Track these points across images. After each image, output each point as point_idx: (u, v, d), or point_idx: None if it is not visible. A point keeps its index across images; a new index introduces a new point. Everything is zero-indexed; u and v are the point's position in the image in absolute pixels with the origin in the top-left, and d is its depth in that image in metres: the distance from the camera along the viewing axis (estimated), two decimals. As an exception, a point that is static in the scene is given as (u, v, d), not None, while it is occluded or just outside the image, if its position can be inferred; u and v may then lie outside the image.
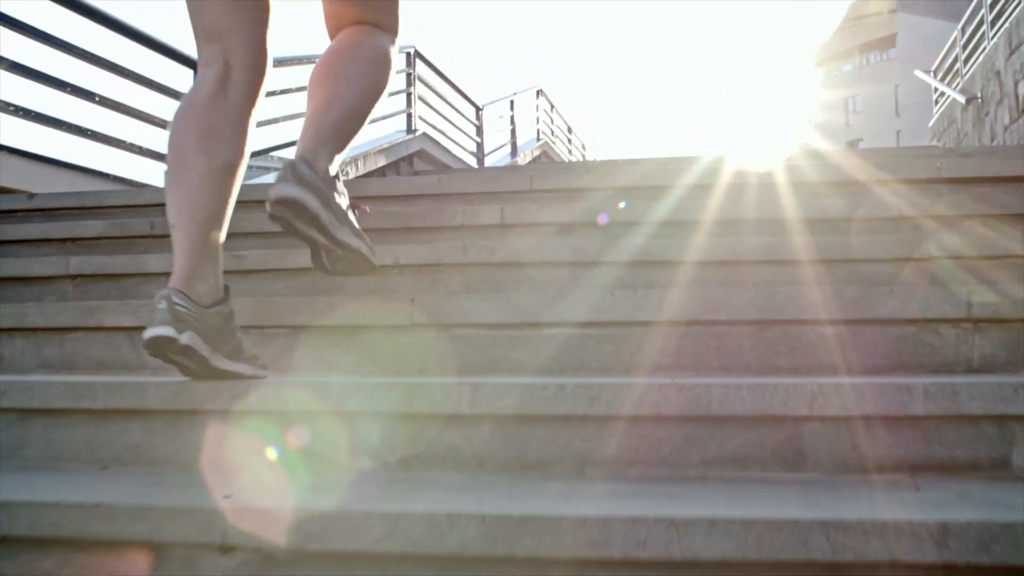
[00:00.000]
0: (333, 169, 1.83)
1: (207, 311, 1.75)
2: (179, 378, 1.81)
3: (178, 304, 1.69)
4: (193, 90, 1.84)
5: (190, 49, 5.47)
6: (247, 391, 1.67)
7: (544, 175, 3.66)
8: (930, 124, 14.71)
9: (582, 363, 2.13)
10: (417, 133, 9.70)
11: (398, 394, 1.64)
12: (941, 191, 3.31)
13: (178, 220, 1.75)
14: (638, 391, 1.55)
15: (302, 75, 7.89)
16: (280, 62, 6.96)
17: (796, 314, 2.01)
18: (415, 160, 9.72)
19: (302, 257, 2.47)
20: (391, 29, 1.98)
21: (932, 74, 13.96)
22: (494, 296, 2.24)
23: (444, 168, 10.22)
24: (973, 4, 11.33)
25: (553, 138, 16.29)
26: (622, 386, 1.57)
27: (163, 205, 1.82)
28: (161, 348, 1.68)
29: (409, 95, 9.56)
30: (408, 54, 9.53)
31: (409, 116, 9.62)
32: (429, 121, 10.07)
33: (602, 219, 3.18)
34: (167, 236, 2.23)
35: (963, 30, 11.92)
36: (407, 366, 2.16)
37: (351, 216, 1.87)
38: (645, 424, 1.56)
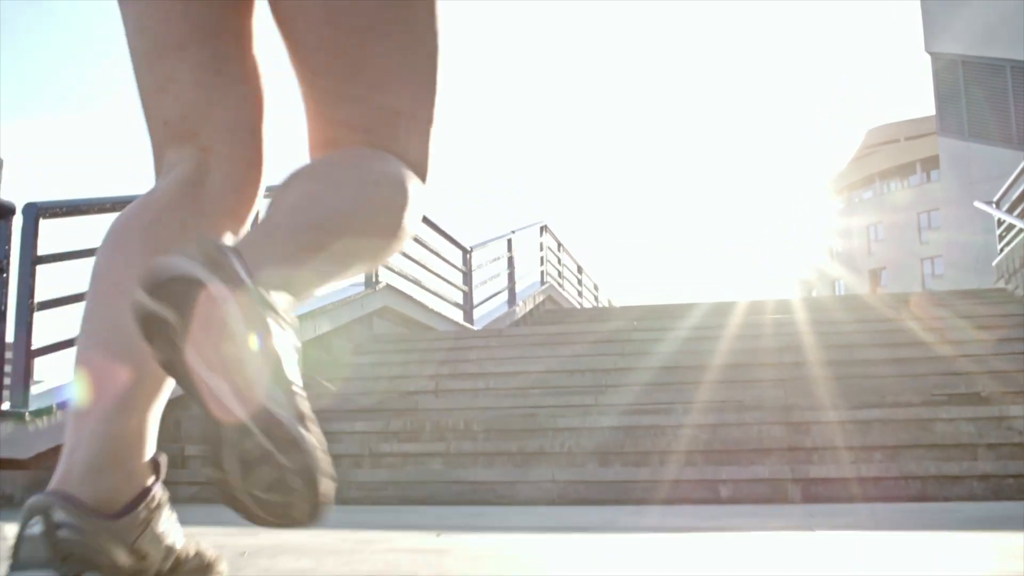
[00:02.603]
0: (277, 285, 1.03)
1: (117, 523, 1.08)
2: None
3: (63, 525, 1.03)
4: (145, 196, 1.22)
5: None
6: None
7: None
8: (994, 263, 12.76)
9: None
10: (380, 286, 7.75)
11: None
12: None
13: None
14: None
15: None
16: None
17: None
18: (375, 320, 7.73)
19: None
20: (418, 164, 1.23)
21: (995, 205, 12.08)
22: None
23: (416, 328, 8.22)
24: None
25: (560, 279, 14.40)
26: None
27: None
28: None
29: (369, 239, 7.65)
30: (368, 189, 7.66)
31: (369, 265, 7.69)
32: (396, 269, 8.13)
33: None
34: None
35: (1038, 154, 10.15)
36: None
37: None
38: None
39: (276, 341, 0.99)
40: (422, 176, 1.26)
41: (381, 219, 1.17)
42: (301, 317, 6.59)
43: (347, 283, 7.93)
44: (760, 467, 4.40)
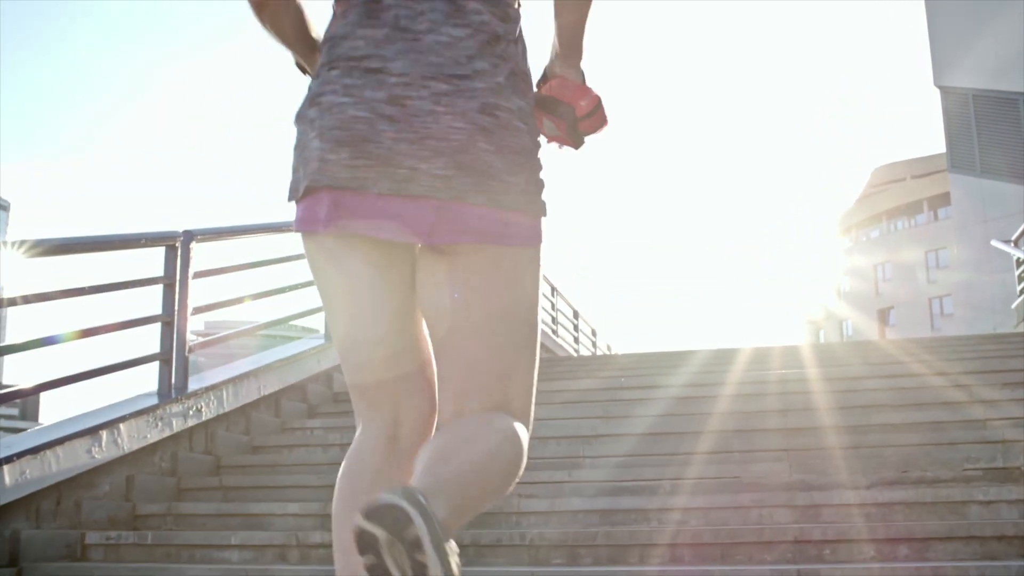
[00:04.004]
0: (448, 530, 1.41)
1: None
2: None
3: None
4: (358, 452, 1.66)
5: None
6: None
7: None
8: (1014, 306, 12.00)
9: None
10: (341, 338, 7.02)
11: None
12: None
13: None
14: None
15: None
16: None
17: None
18: (335, 377, 6.99)
19: None
20: (523, 414, 1.67)
21: (1013, 244, 11.33)
22: None
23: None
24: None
25: (555, 326, 13.65)
26: None
27: None
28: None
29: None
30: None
31: (330, 315, 6.97)
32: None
33: None
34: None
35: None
36: None
37: None
38: None
39: (453, 560, 1.33)
40: (527, 418, 1.68)
41: (510, 471, 1.58)
42: (244, 376, 5.87)
43: (305, 338, 7.20)
44: (760, 566, 3.63)
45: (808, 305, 54.56)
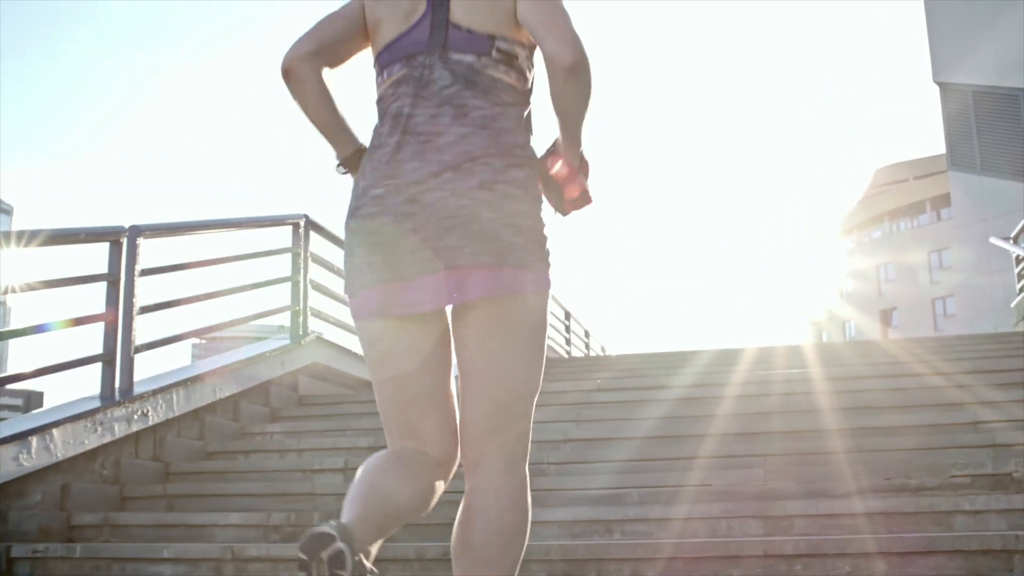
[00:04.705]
0: None
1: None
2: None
3: (346, 537, 1.69)
4: (383, 453, 2.02)
5: None
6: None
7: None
8: (1013, 304, 11.69)
9: None
10: (308, 339, 6.74)
11: None
12: None
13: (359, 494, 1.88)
14: None
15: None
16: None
17: None
18: (301, 379, 6.71)
19: None
20: (520, 456, 2.03)
21: (1012, 241, 11.03)
22: None
23: (363, 388, 7.16)
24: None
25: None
26: None
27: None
28: (315, 545, 1.67)
29: (297, 285, 6.65)
30: (295, 225, 6.67)
31: (296, 315, 6.68)
32: (334, 319, 7.12)
33: None
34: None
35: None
36: None
37: None
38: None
39: None
40: (524, 458, 2.06)
41: (521, 543, 2.00)
42: (196, 378, 5.59)
43: (273, 338, 6.93)
44: (725, 583, 3.35)
45: (810, 306, 54.16)
